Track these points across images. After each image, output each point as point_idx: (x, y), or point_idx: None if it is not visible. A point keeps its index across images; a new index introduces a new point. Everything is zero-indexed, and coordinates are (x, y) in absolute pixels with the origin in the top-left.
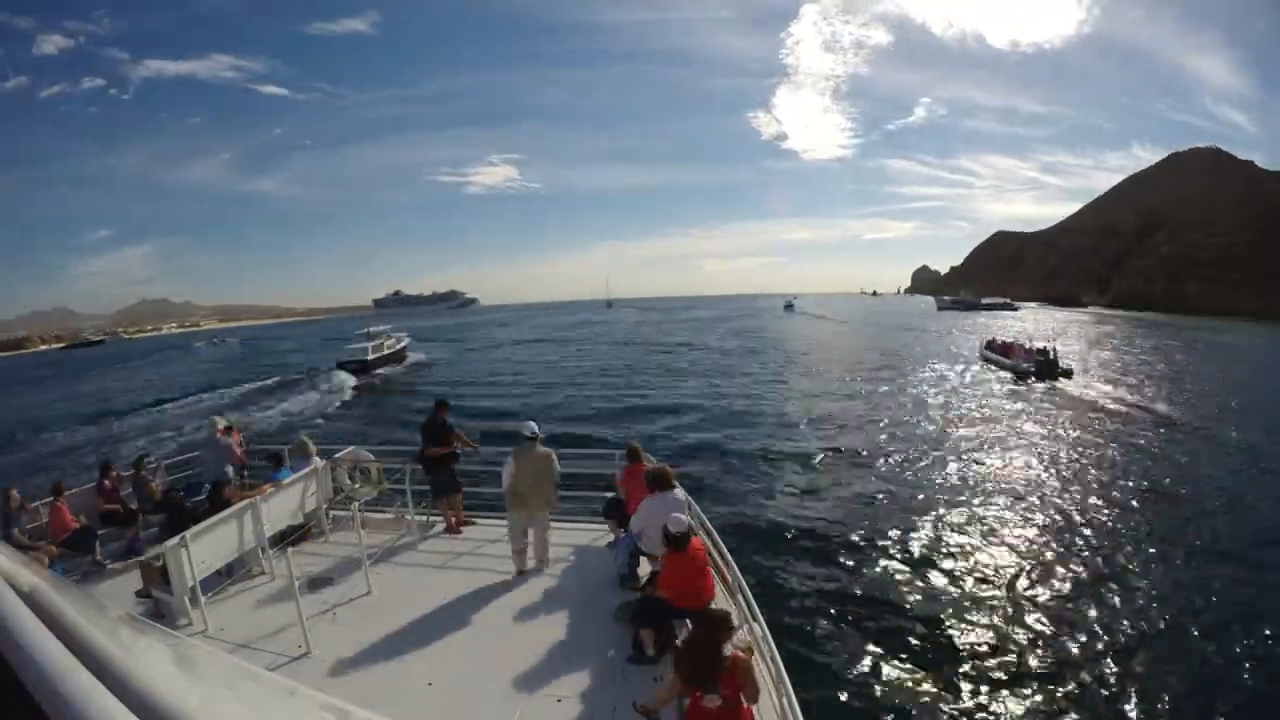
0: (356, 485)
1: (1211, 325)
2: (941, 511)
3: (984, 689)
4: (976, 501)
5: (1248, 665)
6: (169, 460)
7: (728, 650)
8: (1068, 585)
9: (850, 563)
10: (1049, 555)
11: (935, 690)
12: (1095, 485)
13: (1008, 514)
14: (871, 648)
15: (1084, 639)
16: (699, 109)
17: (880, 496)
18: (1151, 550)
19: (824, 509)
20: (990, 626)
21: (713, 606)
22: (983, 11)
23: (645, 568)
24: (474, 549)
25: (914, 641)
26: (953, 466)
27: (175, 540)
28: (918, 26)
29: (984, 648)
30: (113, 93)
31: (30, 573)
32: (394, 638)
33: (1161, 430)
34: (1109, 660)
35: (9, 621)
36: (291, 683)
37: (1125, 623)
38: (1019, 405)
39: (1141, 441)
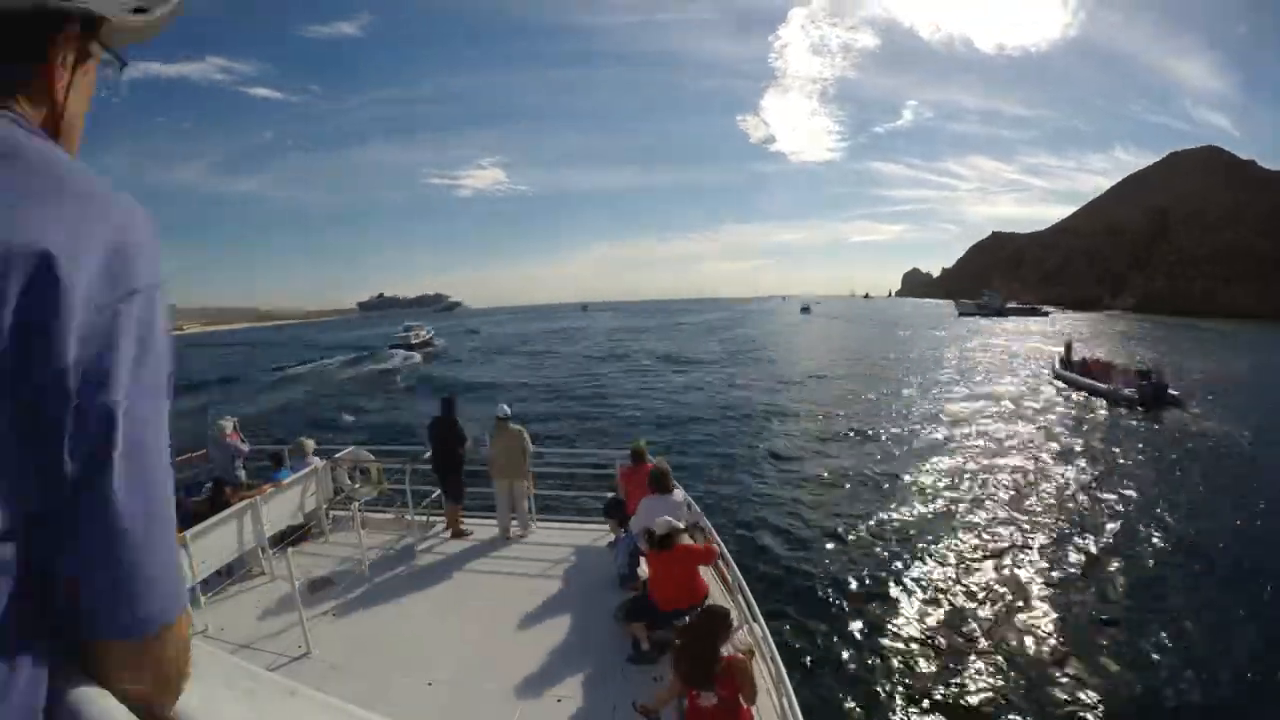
0: (356, 485)
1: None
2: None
3: (985, 689)
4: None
5: None
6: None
7: (726, 650)
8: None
9: (851, 564)
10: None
11: (936, 690)
12: None
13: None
14: (872, 648)
15: (1104, 643)
16: (687, 112)
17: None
18: None
19: (842, 523)
20: (994, 630)
21: (715, 605)
22: (970, 15)
23: (645, 568)
24: (474, 549)
25: (915, 642)
26: (1076, 539)
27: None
28: (905, 30)
29: (987, 651)
30: (103, 94)
31: None
32: (394, 638)
33: None
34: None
35: None
36: (291, 683)
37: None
38: (1135, 445)
39: None
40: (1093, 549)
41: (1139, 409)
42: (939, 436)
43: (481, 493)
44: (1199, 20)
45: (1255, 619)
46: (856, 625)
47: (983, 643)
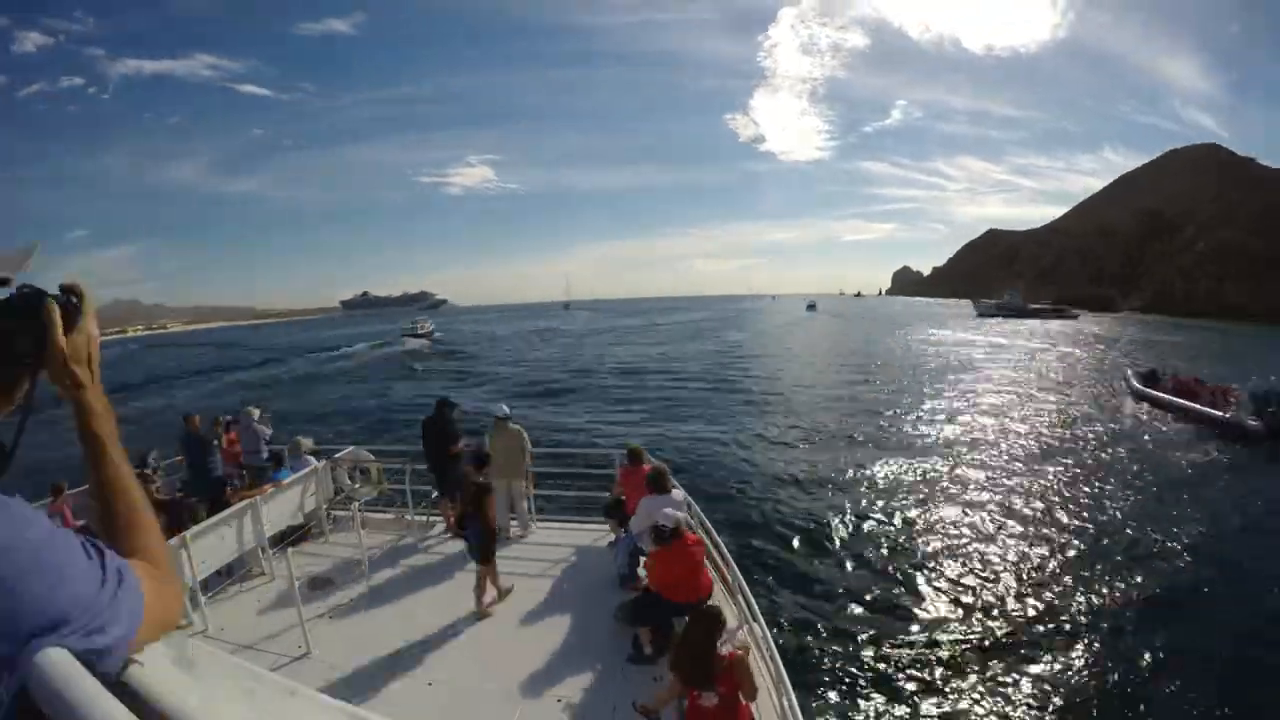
0: (356, 485)
1: None
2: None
3: (986, 690)
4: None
5: None
6: (169, 460)
7: (725, 649)
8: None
9: (852, 564)
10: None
11: (936, 691)
12: None
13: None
14: (872, 648)
15: (1103, 642)
16: (677, 111)
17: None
18: None
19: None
20: (996, 631)
21: (710, 605)
22: (959, 15)
23: (645, 568)
24: None
25: (916, 642)
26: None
27: (175, 540)
28: (894, 30)
29: (989, 650)
30: (91, 91)
31: None
32: (394, 638)
33: None
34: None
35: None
36: (291, 683)
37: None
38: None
39: None
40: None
41: (1264, 444)
42: (1010, 458)
43: None
44: (1188, 21)
45: None
46: (857, 625)
47: (984, 645)
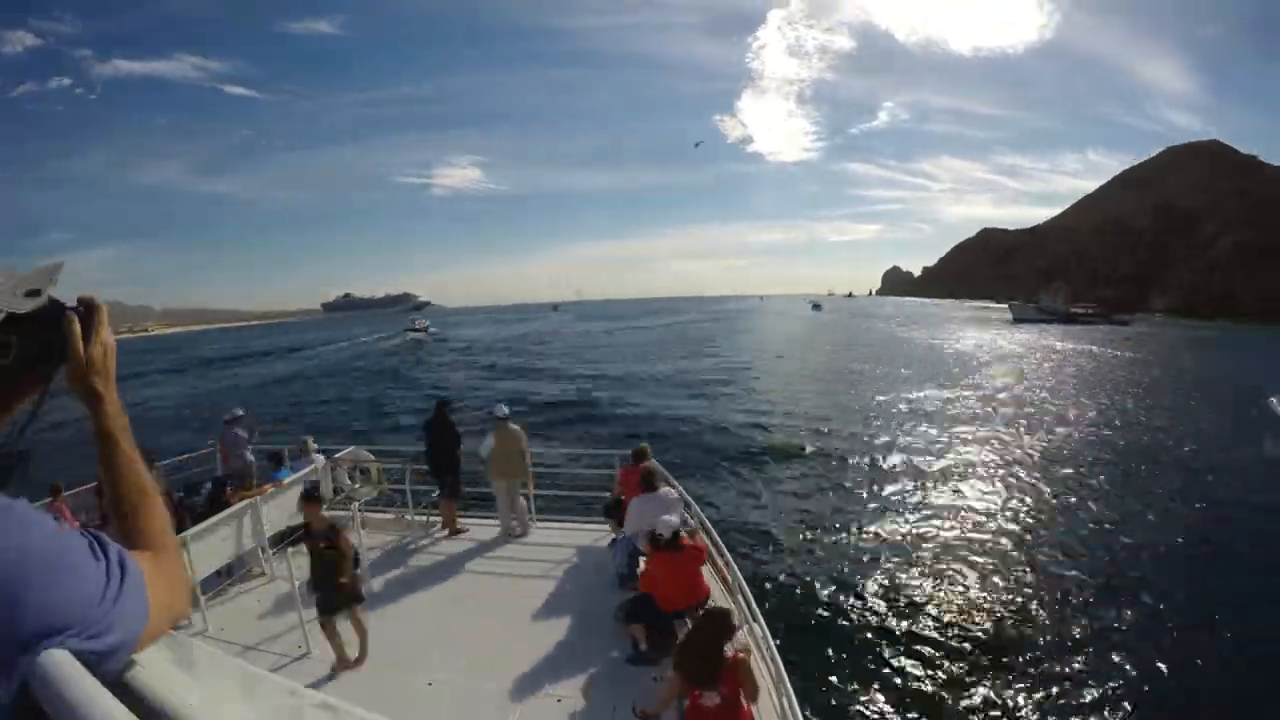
0: (356, 485)
1: None
2: None
3: (986, 691)
4: None
5: None
6: (167, 461)
7: (728, 650)
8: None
9: (853, 564)
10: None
11: (936, 691)
12: None
13: None
14: (872, 648)
15: (1101, 638)
16: (666, 112)
17: None
18: None
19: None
20: (997, 630)
21: (719, 607)
22: (947, 18)
23: (644, 568)
24: (474, 549)
25: (916, 642)
26: None
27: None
28: (881, 32)
29: (989, 649)
30: (79, 92)
31: None
32: (394, 638)
33: None
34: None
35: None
36: (291, 683)
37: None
38: None
39: None
40: None
41: None
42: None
43: (481, 492)
44: (1170, 24)
45: None
46: (857, 625)
47: (986, 647)
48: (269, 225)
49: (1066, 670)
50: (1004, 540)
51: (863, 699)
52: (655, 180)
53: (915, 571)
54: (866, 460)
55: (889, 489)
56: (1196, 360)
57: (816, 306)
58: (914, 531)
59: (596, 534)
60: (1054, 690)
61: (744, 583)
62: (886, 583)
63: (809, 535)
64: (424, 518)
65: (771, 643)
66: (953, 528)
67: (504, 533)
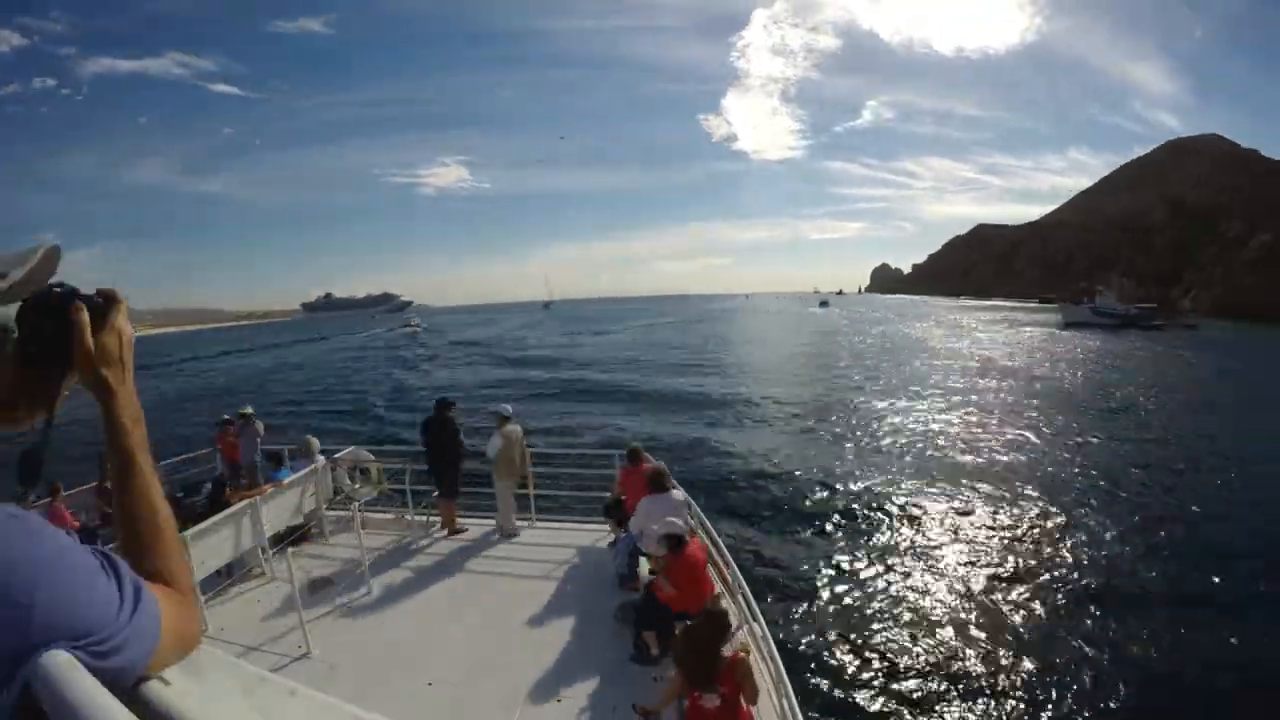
0: (356, 485)
1: None
2: None
3: (987, 690)
4: None
5: None
6: (167, 462)
7: (727, 650)
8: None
9: (853, 564)
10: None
11: (937, 691)
12: None
13: None
14: (872, 648)
15: (1102, 650)
16: (652, 112)
17: None
18: None
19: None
20: (998, 630)
21: (716, 607)
22: (931, 18)
23: (645, 568)
24: (474, 549)
25: (916, 642)
26: None
27: None
28: (865, 32)
29: (989, 651)
30: (65, 92)
31: None
32: (394, 638)
33: None
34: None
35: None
36: (291, 683)
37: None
38: None
39: None
40: None
41: None
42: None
43: (481, 492)
44: (1153, 26)
45: None
46: (858, 625)
47: (987, 647)
48: (255, 226)
49: (1075, 676)
50: (1019, 545)
51: (864, 700)
52: (640, 180)
53: (918, 571)
54: (869, 444)
55: (896, 488)
56: None
57: (824, 304)
58: (923, 533)
59: (596, 534)
60: (1057, 693)
61: (744, 583)
62: (889, 582)
63: (809, 536)
64: (424, 518)
65: (771, 643)
66: (963, 530)
67: (503, 534)
